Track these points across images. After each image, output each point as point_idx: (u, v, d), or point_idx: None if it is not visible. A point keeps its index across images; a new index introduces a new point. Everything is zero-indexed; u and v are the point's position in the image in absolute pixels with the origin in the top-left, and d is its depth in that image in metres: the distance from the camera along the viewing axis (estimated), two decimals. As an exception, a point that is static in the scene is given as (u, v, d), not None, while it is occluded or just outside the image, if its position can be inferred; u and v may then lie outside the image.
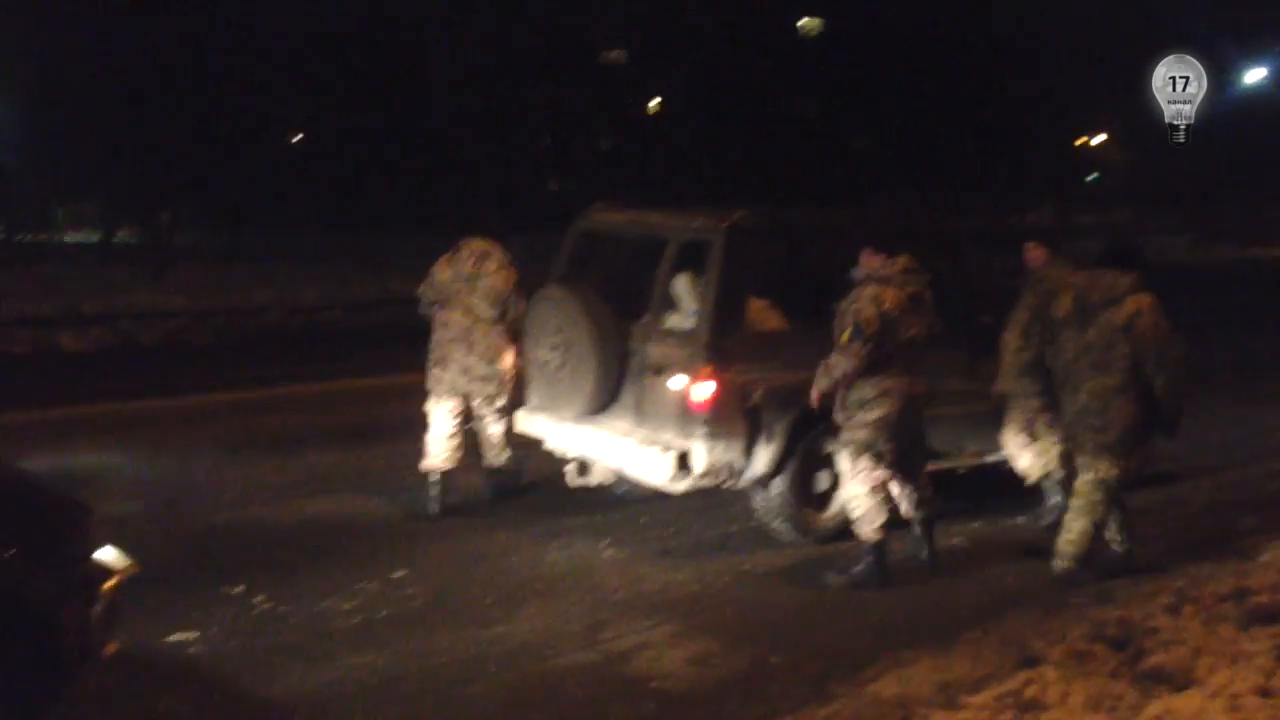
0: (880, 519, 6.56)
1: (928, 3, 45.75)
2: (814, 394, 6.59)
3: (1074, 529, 6.60)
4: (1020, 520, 7.72)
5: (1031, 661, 5.04)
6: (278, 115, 37.54)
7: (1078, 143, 51.22)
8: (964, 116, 43.71)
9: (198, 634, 5.59)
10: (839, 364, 6.42)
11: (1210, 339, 12.47)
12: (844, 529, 7.23)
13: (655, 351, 7.14)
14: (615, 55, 47.88)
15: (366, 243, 30.65)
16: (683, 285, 7.30)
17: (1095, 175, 54.62)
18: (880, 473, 6.52)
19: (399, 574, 6.52)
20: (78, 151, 30.41)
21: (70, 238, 33.21)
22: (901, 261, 6.58)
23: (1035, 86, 44.05)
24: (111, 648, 4.55)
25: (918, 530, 6.84)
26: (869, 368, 6.41)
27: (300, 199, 36.14)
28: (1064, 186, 50.54)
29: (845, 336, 6.38)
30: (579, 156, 45.00)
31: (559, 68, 42.34)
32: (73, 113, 29.15)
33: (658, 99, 48.05)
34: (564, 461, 7.85)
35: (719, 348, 6.88)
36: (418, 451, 7.72)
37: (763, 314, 7.29)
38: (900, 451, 6.53)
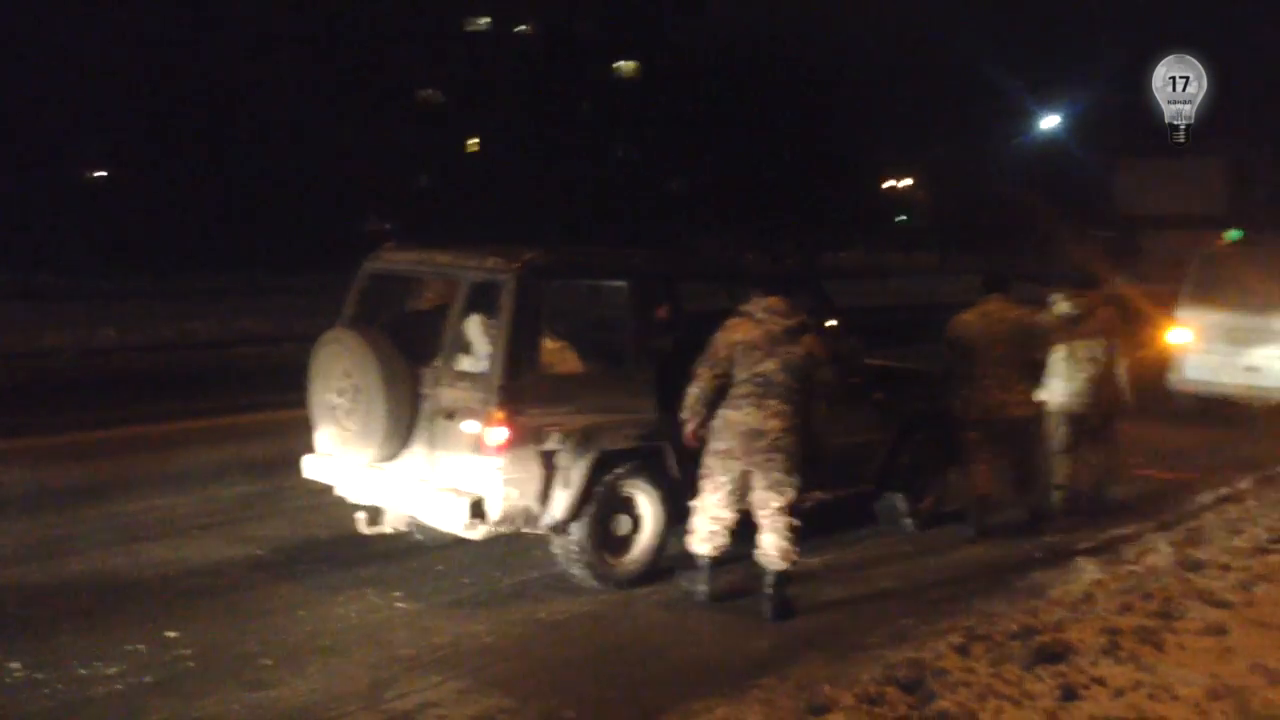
0: (709, 542, 6.78)
1: (744, 51, 46.86)
2: (686, 426, 6.76)
3: None
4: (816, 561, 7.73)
5: (821, 709, 4.97)
6: (74, 150, 36.13)
7: (885, 185, 53.00)
8: (776, 159, 44.71)
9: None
10: (688, 389, 6.68)
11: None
12: (644, 573, 7.13)
13: (447, 395, 6.92)
14: (431, 95, 47.63)
15: (170, 282, 29.56)
16: (475, 327, 7.10)
17: (903, 217, 56.52)
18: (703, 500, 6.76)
19: (172, 634, 6.12)
20: None
21: None
22: (769, 301, 6.73)
23: (844, 130, 45.46)
24: None
25: (704, 564, 6.84)
26: (720, 398, 6.63)
27: (101, 237, 34.72)
28: (872, 227, 52.17)
29: (696, 363, 6.69)
30: (397, 195, 44.52)
31: (374, 106, 41.89)
32: None
33: (475, 139, 47.95)
34: (355, 509, 7.53)
35: (512, 390, 6.70)
36: (195, 501, 7.30)
37: (557, 356, 7.15)
38: (722, 487, 6.68)
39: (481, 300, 7.09)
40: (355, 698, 5.43)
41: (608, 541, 7.09)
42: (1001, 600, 6.87)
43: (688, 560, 6.99)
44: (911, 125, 47.53)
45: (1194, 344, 13.22)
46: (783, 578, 6.76)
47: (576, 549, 6.96)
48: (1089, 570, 7.51)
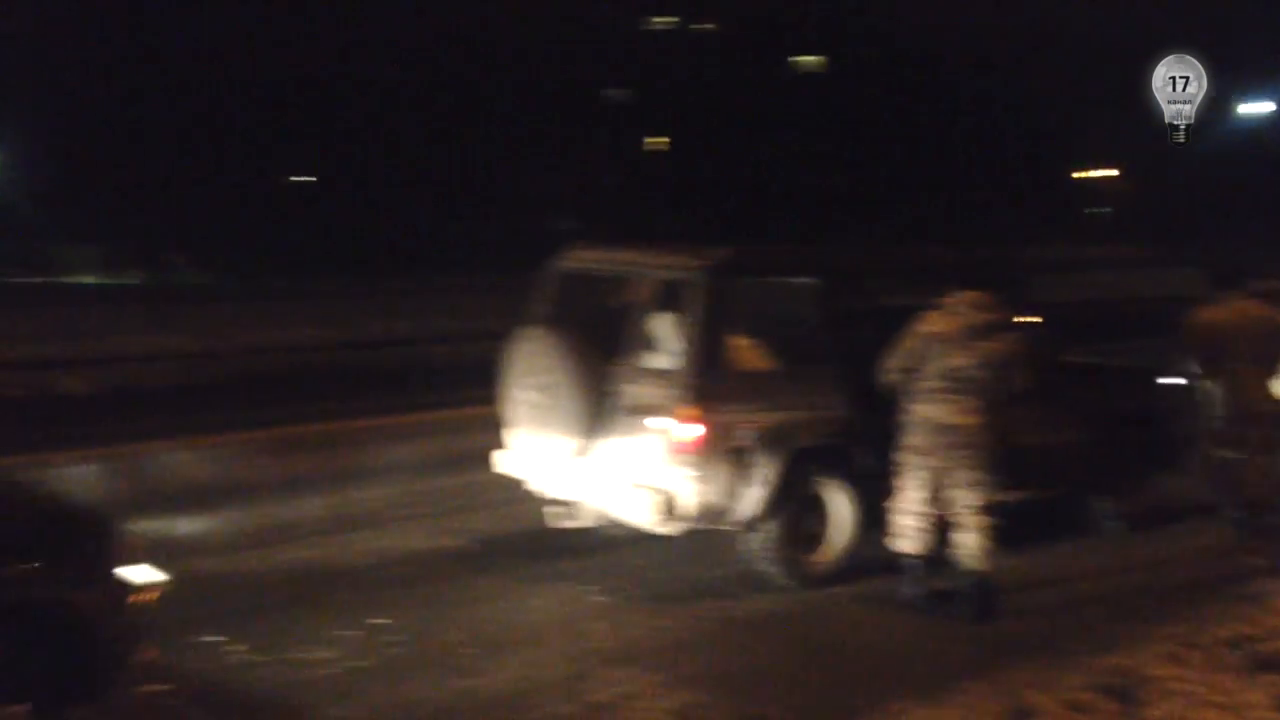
0: (915, 540, 6.63)
1: (927, 39, 45.88)
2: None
3: None
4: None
5: (1025, 714, 4.87)
6: (281, 157, 37.75)
7: (1082, 175, 51.28)
8: (964, 150, 43.68)
9: (172, 685, 5.42)
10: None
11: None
12: (836, 572, 7.09)
13: (639, 392, 7.00)
14: (616, 94, 48.10)
15: (369, 282, 30.64)
16: (665, 325, 7.17)
17: (1105, 209, 54.52)
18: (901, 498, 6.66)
19: (381, 621, 6.36)
20: (82, 194, 30.59)
21: (72, 279, 33.31)
22: (968, 295, 6.60)
23: (1035, 120, 44.17)
24: (148, 653, 4.99)
25: (913, 564, 6.71)
26: (906, 392, 6.59)
27: (305, 240, 36.21)
28: (1068, 220, 50.47)
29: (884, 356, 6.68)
30: (583, 195, 45.17)
31: (567, 107, 42.51)
32: (79, 157, 29.33)
33: (662, 138, 48.20)
34: (548, 503, 7.69)
35: (703, 387, 6.75)
36: (410, 492, 7.52)
37: (747, 353, 7.14)
38: (919, 483, 6.55)
39: (672, 298, 7.16)
40: (555, 688, 5.54)
41: (799, 539, 7.07)
42: (1214, 606, 6.59)
43: (884, 561, 6.91)
44: (1115, 113, 45.85)
45: None
46: (983, 579, 6.63)
47: (768, 546, 6.96)
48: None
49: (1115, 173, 50.78)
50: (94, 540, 4.89)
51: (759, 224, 39.45)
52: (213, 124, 32.81)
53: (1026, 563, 7.61)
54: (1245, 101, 42.66)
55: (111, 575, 4.84)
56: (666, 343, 7.16)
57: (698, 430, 6.68)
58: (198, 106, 31.98)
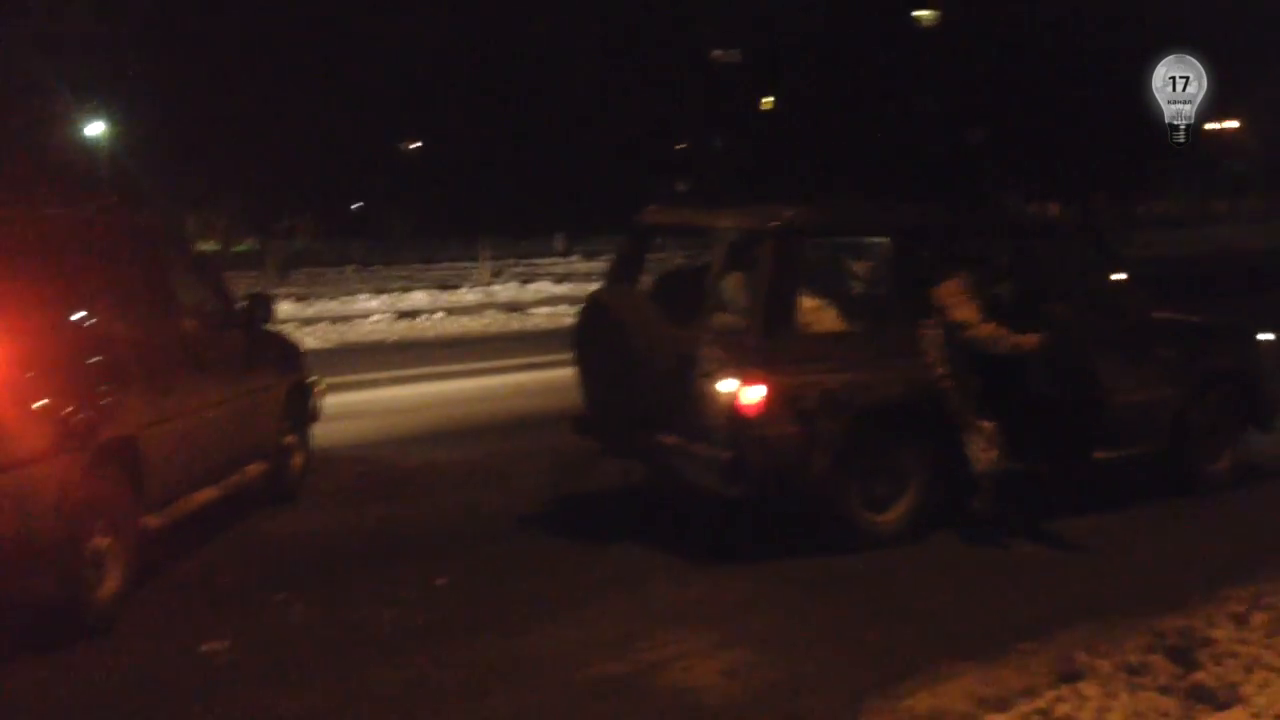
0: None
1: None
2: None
3: None
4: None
5: (1074, 676, 4.77)
6: (395, 124, 38.24)
7: (1206, 127, 49.40)
8: (1081, 105, 42.42)
9: (229, 643, 5.60)
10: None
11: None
12: (905, 533, 7.01)
13: (706, 354, 6.97)
14: (728, 54, 47.67)
15: (476, 249, 31.04)
16: (734, 286, 7.13)
17: (1232, 162, 52.64)
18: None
19: (440, 580, 6.48)
20: (203, 165, 31.37)
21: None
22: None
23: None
24: None
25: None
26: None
27: (418, 206, 36.66)
28: (1194, 175, 48.85)
29: None
30: (695, 158, 44.98)
31: (671, 69, 42.23)
32: (200, 127, 30.04)
33: (770, 98, 47.67)
34: (618, 464, 7.73)
35: (769, 349, 6.71)
36: (473, 455, 7.69)
37: (817, 314, 7.08)
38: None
39: (742, 258, 7.12)
40: (607, 648, 5.57)
41: (869, 501, 7.01)
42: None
43: (952, 523, 6.84)
44: (1236, 63, 44.11)
45: None
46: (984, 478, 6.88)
47: (836, 508, 6.91)
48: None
49: (1236, 124, 48.84)
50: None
51: (878, 183, 38.90)
52: (332, 91, 33.29)
53: (1112, 521, 7.47)
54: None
55: None
56: (735, 303, 7.12)
57: (763, 391, 6.64)
58: (316, 75, 32.48)
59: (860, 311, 7.24)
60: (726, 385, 6.77)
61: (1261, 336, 8.55)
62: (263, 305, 7.79)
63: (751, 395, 6.65)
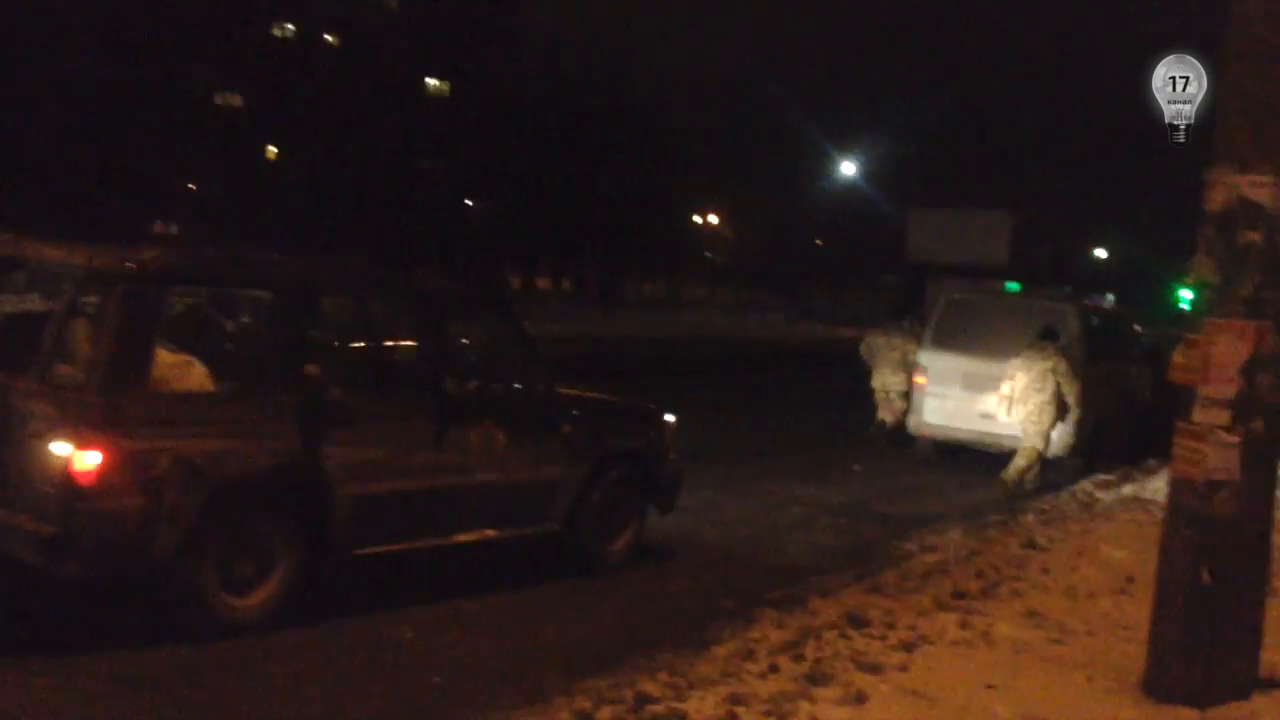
0: None
1: (555, 79, 46.36)
2: None
3: None
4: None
5: None
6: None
7: (696, 219, 53.20)
8: (583, 186, 44.59)
9: None
10: None
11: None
12: (269, 618, 6.31)
13: (37, 409, 6.00)
14: (230, 99, 45.92)
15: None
16: (80, 333, 6.21)
17: (708, 254, 57.01)
18: None
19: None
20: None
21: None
22: None
23: (651, 161, 45.43)
24: None
25: None
26: None
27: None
28: (681, 261, 52.29)
29: None
30: (187, 199, 42.86)
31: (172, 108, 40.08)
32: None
33: (273, 148, 46.33)
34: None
35: (113, 409, 5.84)
36: None
37: (178, 371, 6.30)
38: None
39: (89, 302, 6.23)
40: None
41: (228, 583, 6.27)
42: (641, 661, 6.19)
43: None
44: (720, 162, 47.76)
45: (932, 388, 13.08)
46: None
47: (188, 591, 6.12)
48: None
49: (715, 220, 53.01)
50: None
51: (380, 242, 38.63)
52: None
53: (488, 602, 7.15)
54: (842, 162, 45.64)
55: None
56: (78, 353, 6.19)
57: (98, 457, 5.77)
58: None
59: (233, 371, 6.54)
60: (59, 448, 5.84)
61: (668, 418, 8.68)
62: None
63: (86, 461, 5.76)
